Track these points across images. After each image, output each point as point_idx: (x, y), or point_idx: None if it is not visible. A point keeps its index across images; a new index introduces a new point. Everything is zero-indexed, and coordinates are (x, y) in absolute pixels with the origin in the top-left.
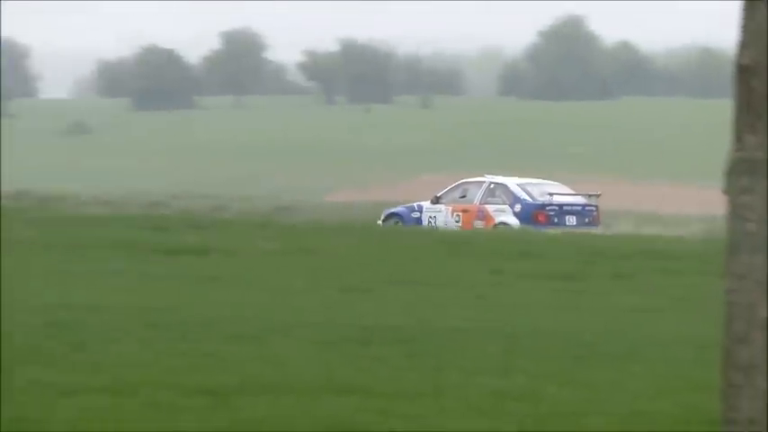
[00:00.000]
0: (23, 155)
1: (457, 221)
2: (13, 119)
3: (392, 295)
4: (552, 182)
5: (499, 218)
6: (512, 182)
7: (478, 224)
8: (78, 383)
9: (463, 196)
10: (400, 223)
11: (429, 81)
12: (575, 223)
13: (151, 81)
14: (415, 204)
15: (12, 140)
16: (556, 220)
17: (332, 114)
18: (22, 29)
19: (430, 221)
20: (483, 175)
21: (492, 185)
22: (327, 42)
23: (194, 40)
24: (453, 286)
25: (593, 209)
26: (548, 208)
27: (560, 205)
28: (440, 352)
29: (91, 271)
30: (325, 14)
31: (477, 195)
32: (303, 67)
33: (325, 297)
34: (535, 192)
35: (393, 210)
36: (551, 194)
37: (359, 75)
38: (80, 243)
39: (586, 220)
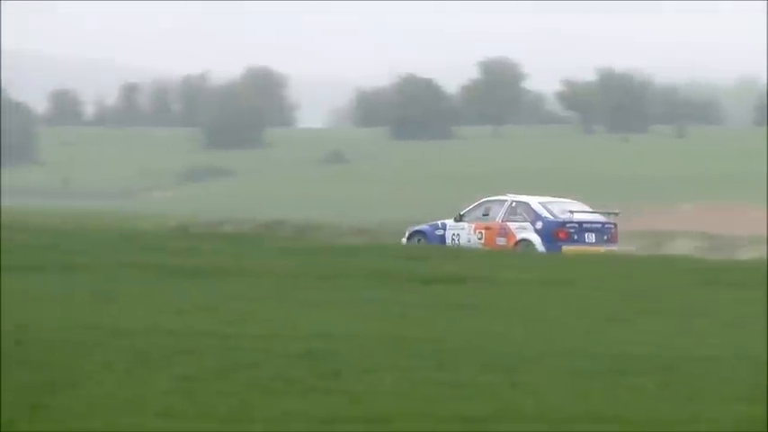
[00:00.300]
0: (279, 184)
1: (479, 239)
2: (270, 148)
3: (646, 324)
4: (572, 200)
5: (521, 235)
6: (533, 200)
7: (500, 241)
8: (333, 413)
9: (486, 214)
10: (423, 241)
11: (685, 111)
12: (594, 240)
13: (408, 110)
14: (438, 222)
15: (268, 170)
16: (576, 237)
17: (589, 144)
18: (280, 58)
19: (453, 239)
20: (505, 194)
21: (514, 203)
22: (585, 71)
23: (453, 69)
24: (705, 315)
25: (612, 226)
26: (568, 225)
27: (580, 223)
28: (693, 380)
29: (347, 300)
30: (583, 43)
31: (499, 213)
32: (561, 96)
33: (581, 326)
34: (556, 209)
35: (418, 228)
36: (572, 212)
37: (616, 104)
38: (336, 272)
39: (605, 237)
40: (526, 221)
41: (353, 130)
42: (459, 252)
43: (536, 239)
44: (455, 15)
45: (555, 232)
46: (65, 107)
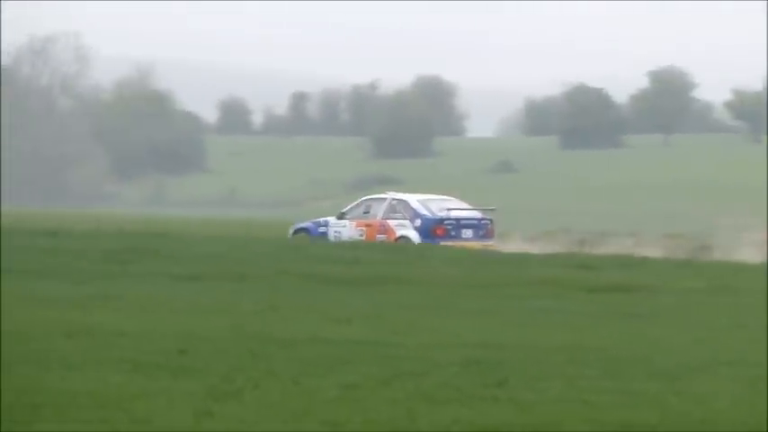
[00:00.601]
0: (448, 194)
1: (361, 235)
2: (439, 157)
3: None
4: (451, 198)
5: (400, 231)
6: (413, 198)
7: (380, 238)
8: (500, 422)
9: (367, 212)
10: (307, 237)
11: None
12: (471, 236)
13: (578, 120)
14: (321, 219)
15: (437, 179)
16: (453, 233)
17: (757, 153)
18: (450, 67)
19: (335, 235)
20: (385, 192)
21: (394, 201)
22: (754, 81)
23: (622, 78)
24: None
25: (488, 222)
26: (445, 222)
27: (457, 219)
28: None
29: (513, 309)
30: (753, 53)
31: (379, 211)
32: (729, 105)
33: (748, 335)
34: (434, 207)
35: (301, 225)
36: (449, 209)
37: None
38: (503, 281)
39: (481, 233)
40: (405, 219)
41: (522, 139)
42: (627, 261)
43: (415, 236)
44: (624, 25)
45: (433, 229)
46: (234, 117)
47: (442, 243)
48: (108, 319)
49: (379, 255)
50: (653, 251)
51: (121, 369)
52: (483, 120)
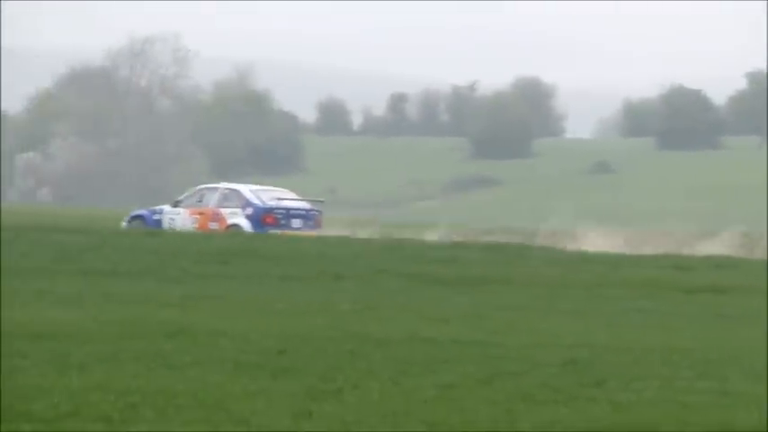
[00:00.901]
0: (547, 194)
1: (194, 223)
2: (537, 158)
3: None
4: (282, 189)
5: (231, 220)
6: (245, 188)
7: (213, 225)
8: (597, 422)
9: (200, 201)
10: (142, 225)
11: None
12: (300, 226)
13: (675, 121)
14: (156, 207)
15: (536, 180)
16: (283, 222)
17: None
18: (549, 69)
19: (169, 223)
20: (219, 182)
21: (227, 191)
22: None
23: (720, 80)
24: None
25: (317, 213)
26: (275, 211)
27: (287, 209)
28: None
29: (610, 310)
30: None
31: (212, 200)
32: None
33: None
34: (265, 197)
35: (137, 212)
36: (279, 199)
37: None
38: (600, 282)
39: (310, 223)
40: (237, 207)
41: (620, 140)
42: (724, 262)
43: (246, 224)
44: (723, 27)
45: (263, 217)
46: (333, 117)
47: (273, 231)
48: (208, 320)
49: (477, 254)
50: (749, 252)
51: (221, 369)
52: (581, 121)
